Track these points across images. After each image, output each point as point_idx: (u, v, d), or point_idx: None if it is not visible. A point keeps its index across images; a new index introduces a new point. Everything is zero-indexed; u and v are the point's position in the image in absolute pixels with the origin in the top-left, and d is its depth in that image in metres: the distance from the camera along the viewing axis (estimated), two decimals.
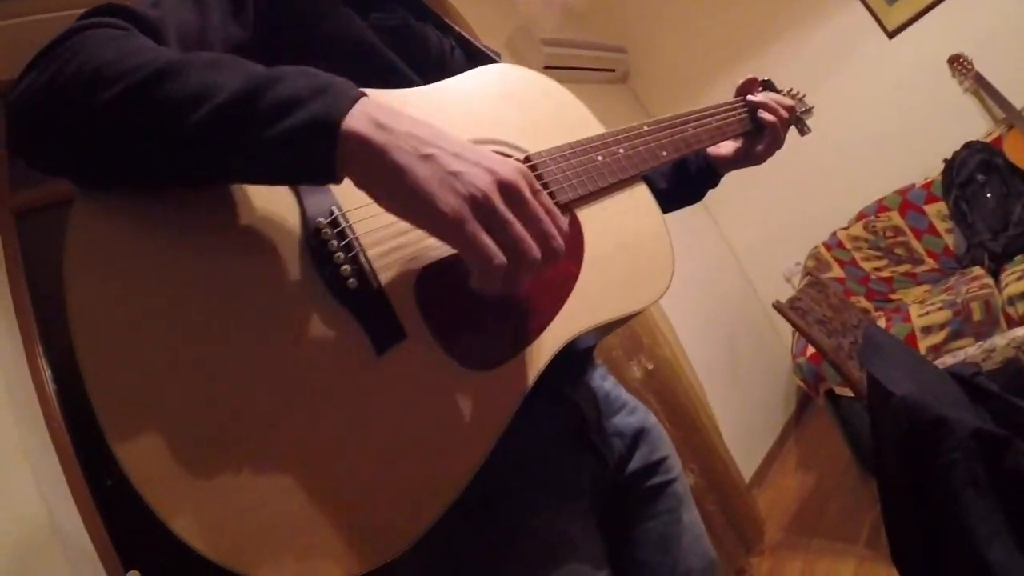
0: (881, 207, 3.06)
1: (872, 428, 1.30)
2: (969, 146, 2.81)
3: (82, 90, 0.51)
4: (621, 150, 0.81)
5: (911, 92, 3.10)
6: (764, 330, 3.40)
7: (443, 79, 0.75)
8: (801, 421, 3.35)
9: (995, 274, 2.44)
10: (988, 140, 2.78)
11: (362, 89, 0.54)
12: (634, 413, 0.87)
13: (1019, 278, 2.22)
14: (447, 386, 0.58)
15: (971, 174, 2.75)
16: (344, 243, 0.57)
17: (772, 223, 3.39)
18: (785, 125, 1.07)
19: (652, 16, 3.86)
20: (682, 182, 1.05)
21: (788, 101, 1.09)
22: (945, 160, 2.85)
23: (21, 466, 1.43)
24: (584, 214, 0.74)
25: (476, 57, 0.91)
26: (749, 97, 1.08)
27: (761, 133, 1.06)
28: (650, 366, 2.38)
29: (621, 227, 0.77)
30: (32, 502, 1.40)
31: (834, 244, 3.10)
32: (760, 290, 3.65)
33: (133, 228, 0.53)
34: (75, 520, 1.50)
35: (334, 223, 0.57)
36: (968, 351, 2.10)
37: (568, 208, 0.72)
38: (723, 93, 3.25)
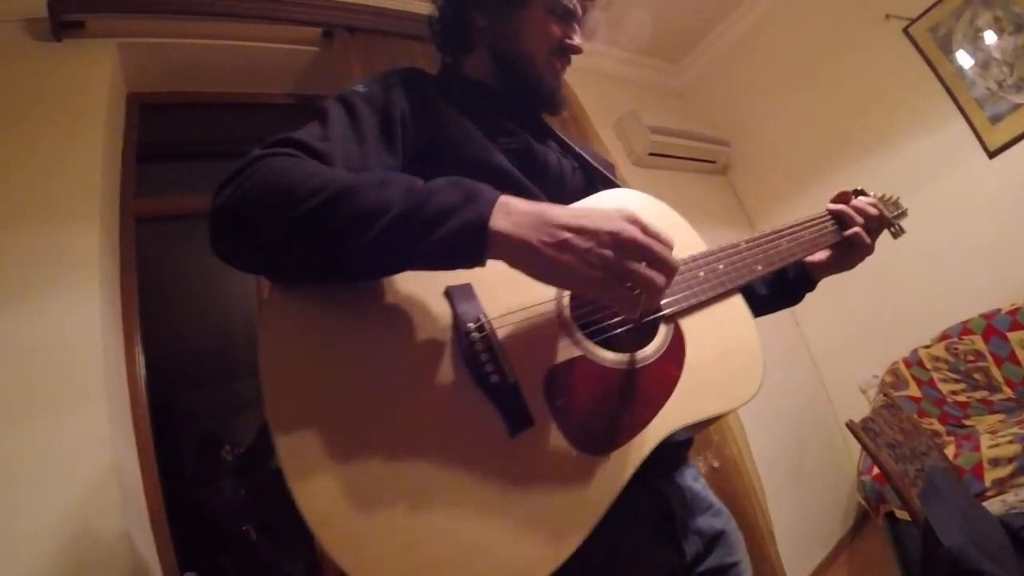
0: (965, 329, 2.97)
1: (922, 566, 1.34)
2: None
3: (275, 205, 0.66)
4: (721, 266, 0.94)
5: (1005, 214, 3.03)
6: (833, 439, 3.31)
7: (563, 195, 0.88)
8: (858, 537, 3.20)
9: None
10: None
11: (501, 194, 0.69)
12: (718, 516, 0.95)
13: None
14: (564, 467, 0.70)
15: None
16: (488, 345, 0.71)
17: (854, 330, 3.32)
18: (872, 232, 1.15)
19: (757, 113, 3.96)
20: (781, 287, 1.14)
21: (873, 211, 1.16)
22: None
23: (107, 461, 1.56)
24: (686, 323, 0.87)
25: (593, 177, 1.08)
26: (834, 206, 1.16)
27: (851, 241, 1.13)
28: (716, 464, 2.38)
29: (718, 336, 0.88)
30: (111, 494, 1.53)
31: (914, 361, 3.03)
32: (834, 397, 3.57)
33: (316, 316, 0.68)
34: (143, 518, 1.63)
35: (480, 328, 0.72)
36: None
37: (674, 318, 0.86)
38: (819, 195, 3.31)
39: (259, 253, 0.69)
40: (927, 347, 3.04)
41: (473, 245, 0.65)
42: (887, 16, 3.33)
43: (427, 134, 0.90)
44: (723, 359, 0.87)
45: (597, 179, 1.09)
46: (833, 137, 3.61)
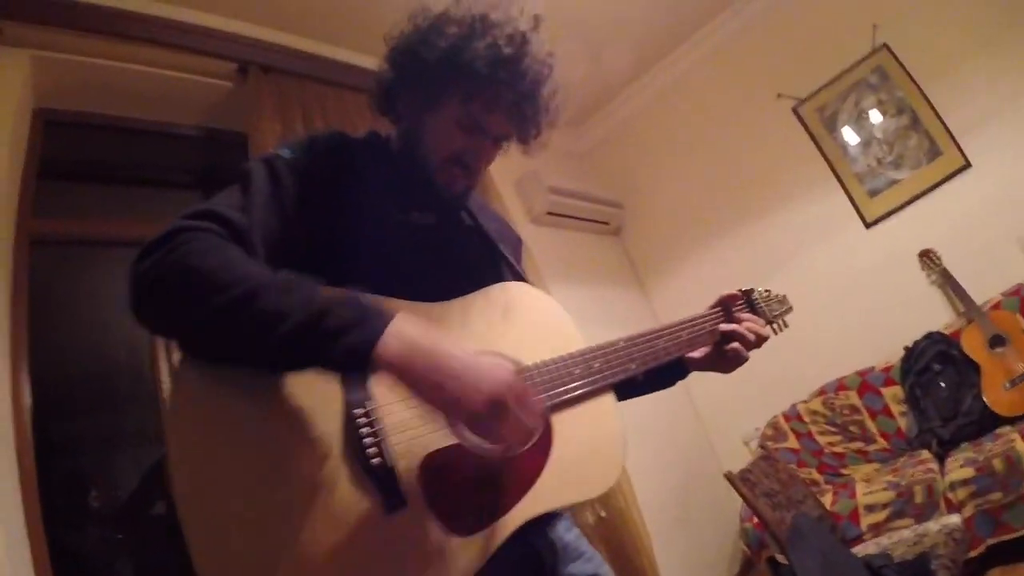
0: (841, 385, 3.19)
1: None
2: (929, 336, 2.96)
3: (190, 292, 0.72)
4: (596, 364, 0.99)
5: (881, 280, 3.30)
6: (718, 489, 3.41)
7: (462, 274, 0.97)
8: None
9: (941, 459, 2.55)
10: (948, 332, 2.93)
11: (396, 308, 0.77)
12: (590, 561, 1.00)
13: (962, 465, 2.32)
14: (431, 545, 0.77)
15: (928, 363, 2.89)
16: (372, 431, 0.77)
17: (737, 387, 3.44)
18: (752, 348, 1.22)
19: (652, 178, 4.17)
20: (656, 375, 1.16)
21: (763, 331, 1.24)
22: (906, 347, 3.00)
23: None
24: (557, 417, 0.93)
25: (498, 260, 1.12)
26: (723, 326, 1.22)
27: (726, 352, 1.20)
28: (603, 513, 2.44)
29: (584, 431, 0.95)
30: None
31: (793, 415, 3.22)
32: (718, 449, 3.74)
33: (219, 391, 0.75)
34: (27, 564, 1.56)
35: (367, 414, 0.78)
36: (903, 533, 2.17)
37: (544, 413, 0.90)
38: (706, 258, 3.48)
39: (172, 329, 0.77)
40: (805, 402, 3.26)
41: (360, 364, 0.73)
42: (778, 95, 3.62)
43: (337, 207, 0.93)
44: (585, 455, 0.94)
45: (501, 262, 1.13)
46: (722, 204, 3.86)
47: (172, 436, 0.71)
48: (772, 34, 3.70)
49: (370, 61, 2.91)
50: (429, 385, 0.73)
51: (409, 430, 0.80)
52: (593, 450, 0.95)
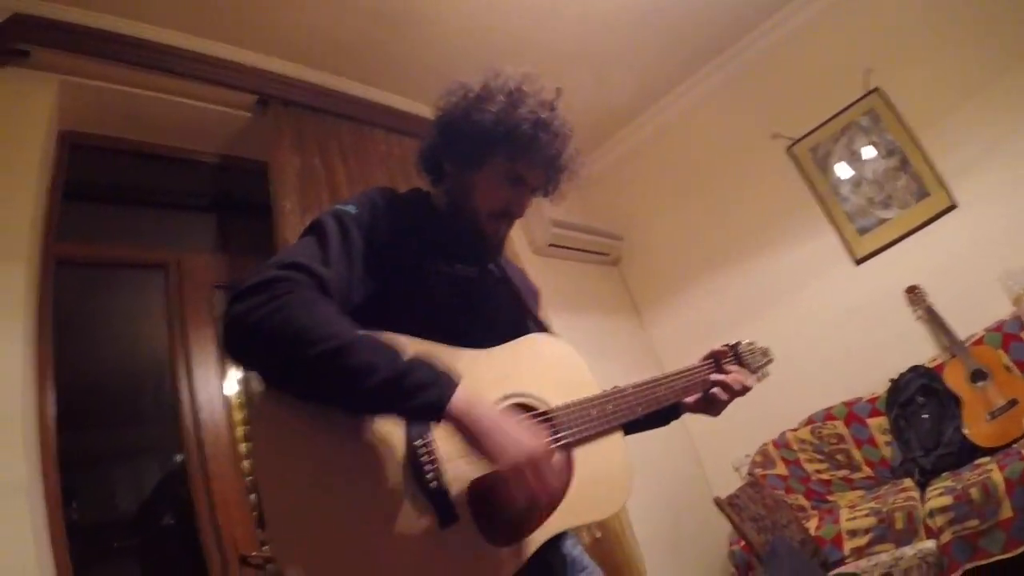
0: (828, 415, 3.29)
1: None
2: (914, 369, 3.06)
3: (287, 342, 0.85)
4: (610, 407, 1.18)
5: (869, 314, 3.40)
6: (708, 513, 3.48)
7: (496, 323, 1.18)
8: None
9: (923, 487, 2.63)
10: (932, 365, 3.03)
11: (447, 355, 0.97)
12: (590, 573, 1.18)
13: (941, 494, 2.40)
14: (477, 555, 0.93)
15: (912, 395, 2.99)
16: (431, 458, 0.92)
17: (729, 416, 3.49)
18: (737, 396, 1.39)
19: (650, 212, 4.30)
20: (655, 417, 1.33)
21: (747, 382, 1.41)
22: (891, 379, 3.10)
23: (22, 509, 1.58)
24: (577, 451, 1.11)
25: (524, 312, 1.29)
26: (713, 377, 1.39)
27: (713, 401, 1.38)
28: (598, 535, 2.53)
29: (599, 463, 1.13)
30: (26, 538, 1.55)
31: (782, 443, 3.33)
32: (709, 475, 3.83)
33: (298, 419, 0.88)
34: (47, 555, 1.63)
35: (426, 444, 0.93)
36: (882, 557, 2.26)
37: (567, 447, 1.09)
38: (701, 290, 3.58)
39: (266, 370, 0.90)
40: (794, 430, 3.35)
41: (432, 416, 0.89)
42: (773, 135, 3.76)
43: (394, 260, 1.08)
44: (600, 481, 1.13)
45: (527, 314, 1.30)
46: (718, 238, 3.99)
47: (260, 454, 0.88)
48: (769, 75, 3.84)
49: (385, 97, 3.06)
50: (479, 440, 0.88)
51: (459, 459, 0.95)
52: (606, 478, 1.14)
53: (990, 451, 2.57)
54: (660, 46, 3.63)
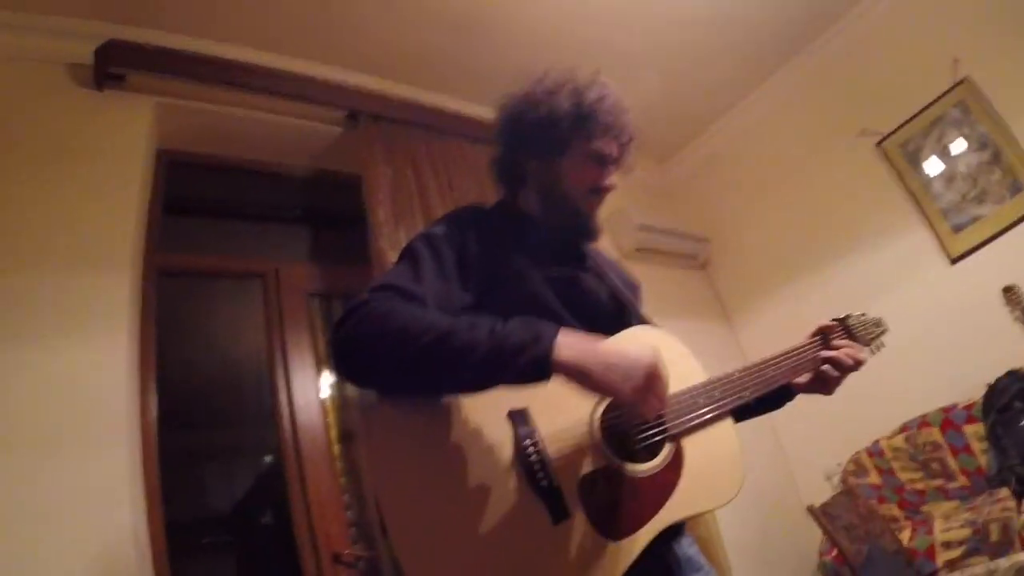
0: (924, 422, 3.17)
1: None
2: (1012, 374, 2.91)
3: (393, 341, 0.91)
4: (717, 393, 1.17)
5: (964, 316, 3.26)
6: (798, 523, 3.43)
7: (599, 320, 1.15)
8: None
9: (1020, 497, 2.50)
10: None
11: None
12: (706, 573, 1.18)
13: None
14: (591, 549, 0.94)
15: (1010, 401, 2.85)
16: (540, 458, 0.95)
17: (821, 422, 3.45)
18: (851, 371, 1.34)
19: (737, 213, 4.24)
20: (766, 399, 1.31)
21: (860, 355, 1.35)
22: (988, 384, 2.96)
23: (124, 499, 1.69)
24: (687, 440, 1.11)
25: (622, 304, 1.30)
26: (823, 353, 1.35)
27: (826, 379, 1.34)
28: None
29: (710, 451, 1.12)
30: (125, 532, 1.65)
31: (875, 451, 3.21)
32: (800, 484, 3.74)
33: (410, 427, 0.94)
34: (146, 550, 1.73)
35: (535, 444, 0.96)
36: (976, 570, 2.18)
37: (677, 436, 1.09)
38: (791, 293, 3.52)
39: (377, 378, 0.95)
40: (888, 438, 3.23)
41: (542, 371, 0.90)
42: (862, 131, 3.64)
43: (490, 270, 1.13)
44: (712, 470, 1.11)
45: (627, 306, 1.31)
46: (806, 239, 3.89)
47: (376, 463, 0.91)
48: (852, 71, 3.73)
49: (473, 109, 3.13)
50: (599, 375, 0.91)
51: (566, 455, 0.98)
52: (718, 466, 1.13)
53: None
54: (739, 47, 3.59)
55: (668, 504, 1.03)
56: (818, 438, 3.57)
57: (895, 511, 2.96)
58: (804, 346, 1.36)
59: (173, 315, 2.30)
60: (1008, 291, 3.04)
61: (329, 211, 2.96)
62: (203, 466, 2.60)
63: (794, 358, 1.32)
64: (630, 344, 0.96)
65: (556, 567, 0.92)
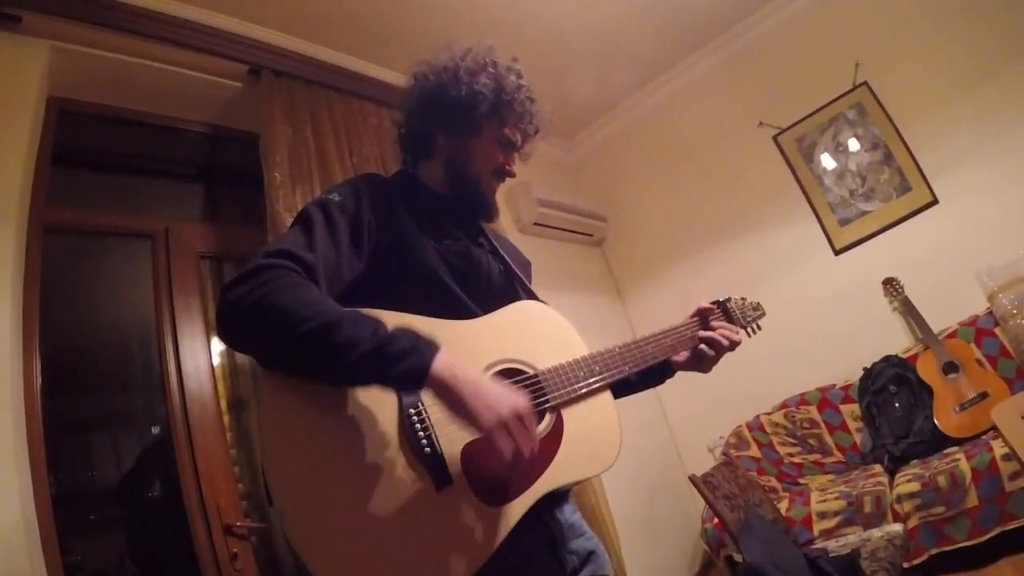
0: (803, 400, 3.39)
1: None
2: (888, 359, 3.14)
3: (277, 323, 0.89)
4: (597, 367, 1.21)
5: (846, 304, 3.49)
6: (682, 492, 3.62)
7: (488, 293, 1.21)
8: None
9: (892, 473, 2.72)
10: (905, 356, 3.12)
11: (436, 328, 1.01)
12: (589, 540, 1.22)
13: (909, 480, 2.49)
14: (473, 515, 0.96)
15: (885, 384, 3.07)
16: (424, 426, 0.97)
17: (705, 397, 3.66)
18: (724, 352, 1.42)
19: (635, 193, 4.35)
20: (648, 376, 1.39)
21: (735, 336, 1.44)
22: (865, 368, 3.18)
23: (10, 471, 1.58)
24: (567, 411, 1.15)
25: (513, 279, 1.34)
26: (700, 333, 1.42)
27: (703, 357, 1.40)
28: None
29: (589, 422, 1.17)
30: (12, 506, 1.56)
31: (756, 426, 3.40)
32: (684, 456, 3.92)
33: (298, 395, 0.93)
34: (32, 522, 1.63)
35: (418, 412, 0.98)
36: (850, 538, 2.34)
37: (557, 408, 1.13)
38: (683, 273, 3.65)
39: (259, 352, 0.94)
40: (768, 414, 3.44)
41: (416, 381, 0.92)
42: (760, 123, 3.81)
43: (384, 239, 1.14)
44: (590, 440, 1.16)
45: (517, 282, 1.35)
46: (701, 223, 4.05)
47: (265, 432, 0.89)
48: (759, 64, 3.89)
49: (376, 70, 3.04)
50: (460, 404, 0.92)
51: (451, 424, 0.98)
52: (596, 436, 1.17)
53: (958, 442, 2.65)
54: (654, 30, 3.66)
55: (548, 471, 1.06)
56: (702, 412, 3.75)
57: (774, 483, 3.14)
58: (683, 325, 1.42)
59: (57, 275, 2.17)
60: (888, 283, 3.26)
61: (225, 169, 2.83)
62: (90, 436, 2.47)
63: (673, 337, 1.38)
64: (503, 389, 0.97)
65: (439, 533, 0.93)
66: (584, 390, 1.17)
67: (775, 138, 3.78)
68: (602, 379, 1.21)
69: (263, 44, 2.62)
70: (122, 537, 2.41)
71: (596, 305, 4.02)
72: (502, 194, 3.51)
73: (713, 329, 1.42)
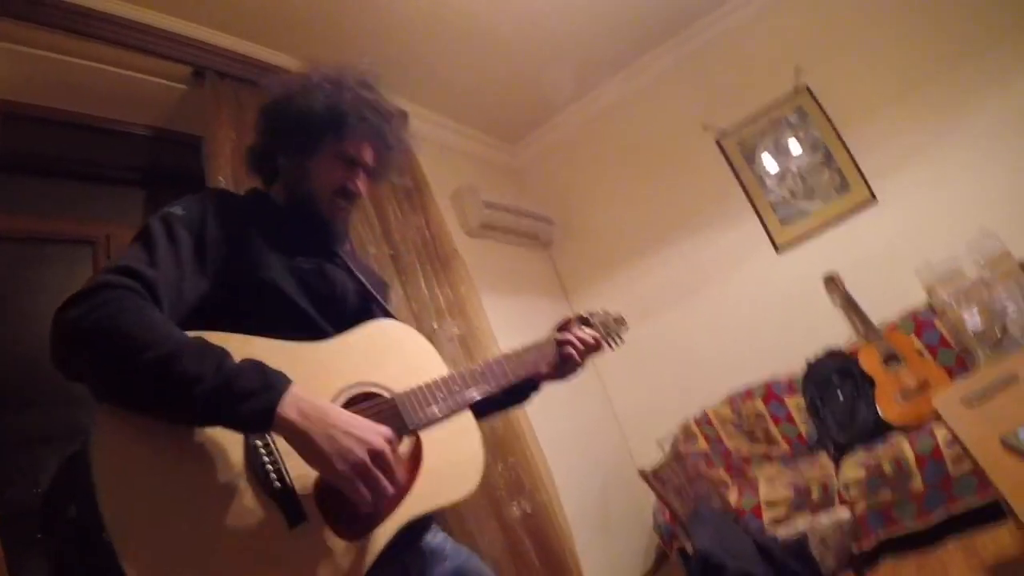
0: (748, 393, 3.48)
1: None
2: (831, 352, 3.25)
3: (114, 349, 0.81)
4: (456, 387, 1.17)
5: (789, 300, 3.60)
6: (634, 488, 3.63)
7: (343, 313, 1.15)
8: (659, 572, 3.58)
9: (837, 461, 2.81)
10: (847, 349, 3.22)
11: (285, 350, 0.95)
12: (451, 558, 1.17)
13: (855, 467, 2.58)
14: (329, 550, 0.90)
15: (828, 376, 3.17)
16: (272, 459, 0.89)
17: (653, 393, 3.77)
18: (585, 356, 1.46)
19: (581, 197, 4.40)
20: (512, 393, 1.37)
21: (589, 339, 1.47)
22: (808, 361, 3.28)
23: None
24: (425, 435, 1.10)
25: (370, 300, 1.28)
26: (557, 336, 1.46)
27: (567, 360, 1.43)
28: (528, 508, 2.59)
29: (448, 446, 1.12)
30: None
31: (703, 420, 3.48)
32: (635, 450, 3.98)
33: (137, 428, 0.82)
34: None
35: (266, 445, 0.90)
36: (798, 524, 2.41)
37: (415, 431, 1.08)
38: (628, 274, 3.69)
39: (93, 380, 0.83)
40: (715, 408, 3.52)
41: (263, 424, 0.85)
42: (704, 127, 3.90)
43: (232, 256, 1.07)
44: (451, 464, 1.12)
45: (373, 302, 1.29)
46: (646, 225, 4.13)
47: (98, 469, 0.77)
48: (703, 69, 3.98)
49: None
50: (317, 443, 0.85)
51: None
52: (458, 459, 1.14)
53: (902, 430, 2.74)
54: (599, 35, 3.70)
55: (407, 500, 1.01)
56: (651, 408, 3.82)
57: (723, 474, 3.21)
58: (543, 340, 1.45)
59: None
60: (829, 279, 3.37)
61: (167, 173, 2.76)
62: (35, 452, 2.38)
63: (534, 352, 1.39)
64: (368, 425, 0.90)
65: (297, 573, 0.87)
66: (444, 413, 1.13)
67: (718, 141, 3.88)
68: (462, 400, 1.17)
69: (207, 45, 2.58)
70: (44, 562, 2.31)
71: (543, 307, 4.04)
72: (448, 198, 3.53)
73: (573, 334, 1.46)
